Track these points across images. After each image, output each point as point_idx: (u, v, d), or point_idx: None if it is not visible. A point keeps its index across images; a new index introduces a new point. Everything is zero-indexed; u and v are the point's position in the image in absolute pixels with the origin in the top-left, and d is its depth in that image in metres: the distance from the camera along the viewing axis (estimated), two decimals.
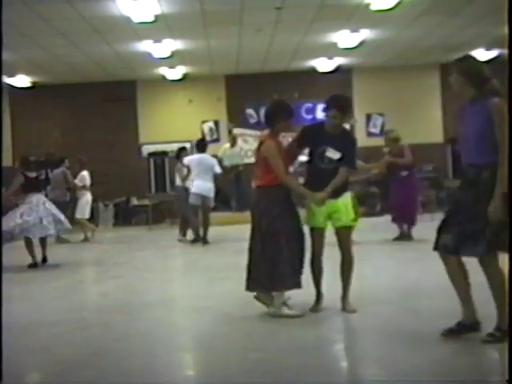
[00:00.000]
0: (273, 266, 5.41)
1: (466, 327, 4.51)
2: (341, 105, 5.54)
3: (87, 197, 13.12)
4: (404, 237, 10.35)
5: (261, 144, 5.69)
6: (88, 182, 13.13)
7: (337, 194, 5.54)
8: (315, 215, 5.59)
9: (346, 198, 5.64)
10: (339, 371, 4.18)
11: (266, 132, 5.83)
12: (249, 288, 5.63)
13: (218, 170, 11.61)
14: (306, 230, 5.68)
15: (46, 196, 10.72)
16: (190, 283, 7.98)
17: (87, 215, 13.16)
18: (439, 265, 4.57)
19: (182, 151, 12.54)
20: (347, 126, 14.51)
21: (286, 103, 5.78)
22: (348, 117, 5.67)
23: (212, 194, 11.44)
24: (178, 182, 12.18)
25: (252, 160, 17.86)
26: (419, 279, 7.09)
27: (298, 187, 5.60)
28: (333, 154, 5.50)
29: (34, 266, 9.40)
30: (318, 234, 5.63)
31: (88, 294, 7.56)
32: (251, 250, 5.59)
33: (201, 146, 11.87)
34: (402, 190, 10.19)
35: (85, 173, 13.12)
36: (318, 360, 4.31)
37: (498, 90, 4.41)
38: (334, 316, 5.55)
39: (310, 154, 5.66)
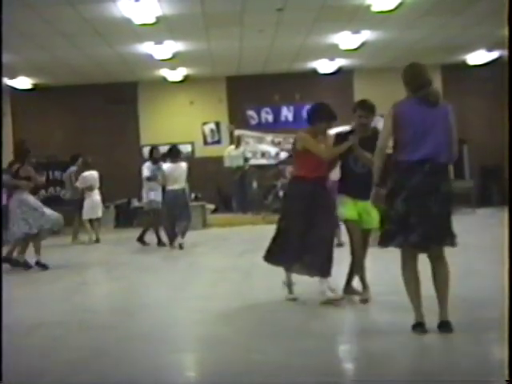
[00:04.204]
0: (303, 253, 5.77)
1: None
2: (365, 105, 5.91)
3: (90, 198, 13.05)
4: None
5: (294, 141, 6.03)
6: (91, 182, 13.06)
7: (368, 195, 5.64)
8: (347, 208, 5.80)
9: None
10: (341, 372, 4.17)
11: (303, 129, 6.08)
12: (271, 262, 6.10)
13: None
14: None
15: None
16: (191, 284, 7.97)
17: (92, 217, 13.10)
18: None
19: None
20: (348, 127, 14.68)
21: (329, 106, 6.05)
22: (372, 117, 5.95)
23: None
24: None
25: (254, 162, 18.05)
26: None
27: (342, 148, 5.74)
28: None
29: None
30: (352, 225, 5.83)
31: (89, 296, 7.56)
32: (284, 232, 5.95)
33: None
34: None
35: (87, 173, 13.07)
36: (320, 361, 4.30)
37: (428, 95, 4.70)
38: (338, 315, 5.54)
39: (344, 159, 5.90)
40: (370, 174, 5.64)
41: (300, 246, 5.81)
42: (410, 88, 4.79)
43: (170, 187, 11.17)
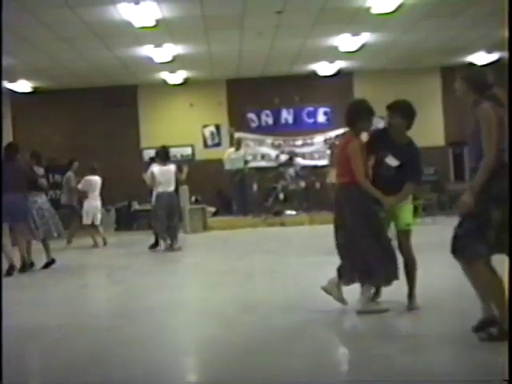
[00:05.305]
0: (364, 260, 5.51)
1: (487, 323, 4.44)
2: (392, 107, 5.59)
3: (89, 202, 13.01)
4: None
5: (344, 142, 5.73)
6: (90, 187, 13.02)
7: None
8: None
9: (404, 203, 5.67)
10: (341, 374, 4.17)
11: (347, 131, 5.80)
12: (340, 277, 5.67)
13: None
14: None
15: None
16: (192, 287, 7.98)
17: (94, 221, 13.04)
18: None
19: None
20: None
21: (367, 102, 5.78)
22: (404, 121, 5.54)
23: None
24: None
25: (254, 164, 18.02)
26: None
27: (371, 189, 5.52)
28: (391, 162, 5.52)
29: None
30: None
31: (90, 299, 7.56)
32: (341, 245, 5.67)
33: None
34: None
35: (91, 178, 13.05)
36: (319, 362, 4.30)
37: (497, 97, 4.47)
38: (338, 318, 5.54)
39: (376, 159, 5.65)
40: (395, 177, 5.48)
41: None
42: (478, 89, 4.52)
43: (164, 189, 11.18)
